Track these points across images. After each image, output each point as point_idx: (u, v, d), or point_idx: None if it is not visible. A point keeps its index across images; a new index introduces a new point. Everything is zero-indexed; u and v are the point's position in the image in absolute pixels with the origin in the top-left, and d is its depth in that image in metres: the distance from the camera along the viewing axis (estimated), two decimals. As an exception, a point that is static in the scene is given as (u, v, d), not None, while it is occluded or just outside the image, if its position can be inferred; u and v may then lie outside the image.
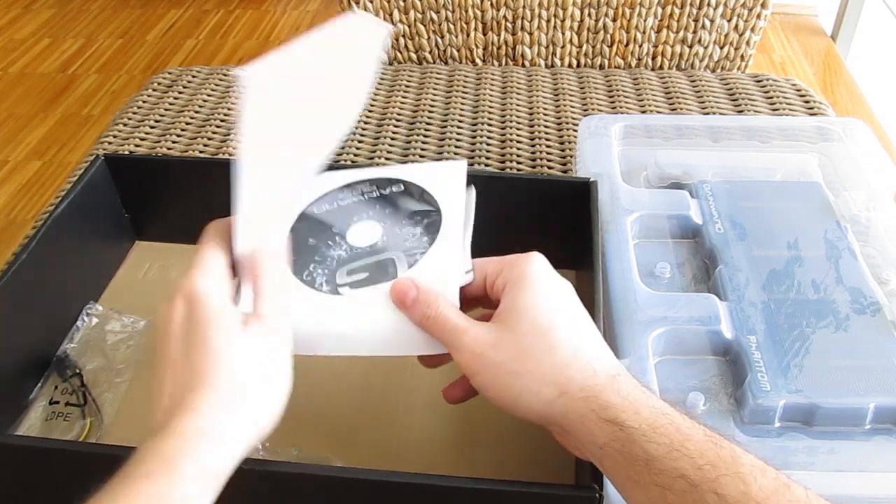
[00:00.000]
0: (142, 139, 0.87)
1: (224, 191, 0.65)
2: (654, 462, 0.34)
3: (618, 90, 0.94)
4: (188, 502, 0.32)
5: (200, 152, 0.84)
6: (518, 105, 0.92)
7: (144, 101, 0.94)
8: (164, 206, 0.69)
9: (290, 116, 0.45)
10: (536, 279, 0.41)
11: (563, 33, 1.06)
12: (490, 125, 0.88)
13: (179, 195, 0.67)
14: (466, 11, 1.05)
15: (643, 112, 0.90)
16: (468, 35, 1.07)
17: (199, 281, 0.39)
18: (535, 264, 0.42)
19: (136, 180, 0.66)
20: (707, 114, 0.89)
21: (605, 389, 0.37)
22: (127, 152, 0.85)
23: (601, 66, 1.08)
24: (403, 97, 0.94)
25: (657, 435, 0.35)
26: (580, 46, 1.07)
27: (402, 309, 0.43)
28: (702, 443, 0.35)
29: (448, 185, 0.51)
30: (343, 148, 0.85)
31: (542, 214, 0.63)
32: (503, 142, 0.86)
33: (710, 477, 0.33)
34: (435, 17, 1.06)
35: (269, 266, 0.43)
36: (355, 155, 0.84)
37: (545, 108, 0.91)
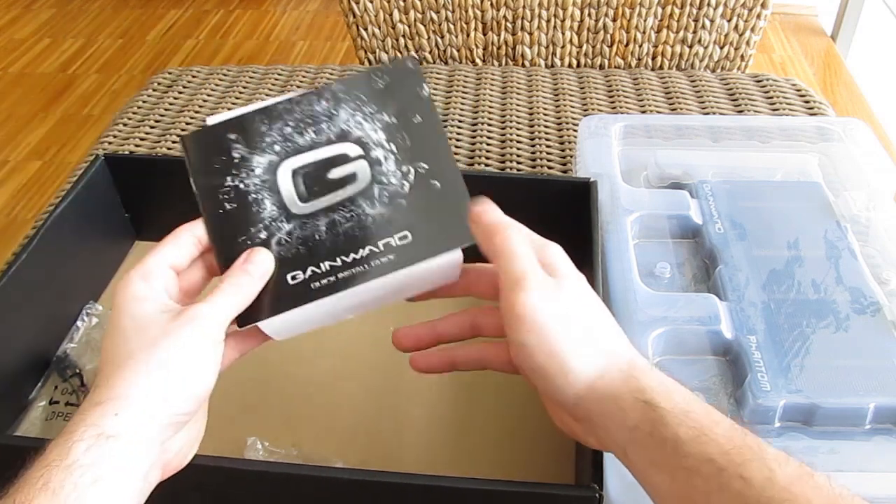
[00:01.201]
0: (142, 139, 0.87)
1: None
2: (682, 446, 0.35)
3: (618, 90, 0.94)
4: (80, 460, 0.33)
5: (200, 152, 0.84)
6: (518, 105, 0.92)
7: (144, 101, 0.94)
8: (163, 206, 0.68)
9: None
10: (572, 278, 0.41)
11: (563, 33, 1.06)
12: (490, 125, 0.88)
13: (179, 195, 0.66)
14: (466, 11, 1.05)
15: (643, 112, 0.90)
16: (468, 35, 1.07)
17: (127, 277, 0.41)
18: (562, 261, 0.41)
19: (136, 180, 0.66)
20: (707, 114, 0.89)
21: (643, 372, 0.38)
22: (127, 152, 0.85)
23: (601, 66, 1.08)
24: (403, 97, 0.94)
25: (688, 419, 0.35)
26: (580, 46, 1.07)
27: (479, 226, 0.41)
28: (729, 429, 0.35)
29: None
30: (343, 148, 0.85)
31: (541, 215, 0.62)
32: (503, 142, 0.86)
33: (736, 461, 0.34)
34: (435, 17, 1.06)
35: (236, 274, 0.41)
36: (355, 155, 0.84)
37: (545, 108, 0.91)
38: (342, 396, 0.58)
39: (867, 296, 0.54)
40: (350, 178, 0.43)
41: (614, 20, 1.04)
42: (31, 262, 0.56)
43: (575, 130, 0.85)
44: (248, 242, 0.43)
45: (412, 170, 0.42)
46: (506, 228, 0.40)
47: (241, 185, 0.42)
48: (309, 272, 0.42)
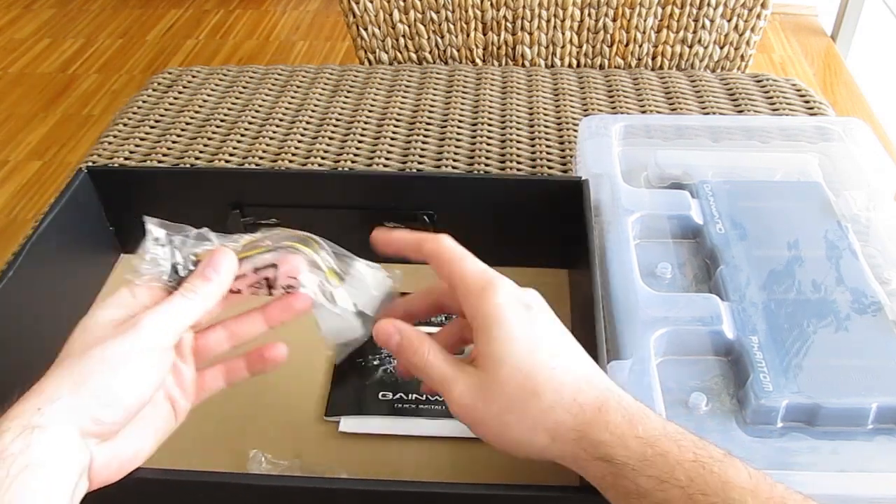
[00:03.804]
0: (141, 139, 0.87)
1: (208, 201, 0.65)
2: (646, 496, 0.35)
3: (618, 90, 0.94)
4: (8, 448, 0.33)
5: (200, 153, 0.84)
6: (518, 105, 0.92)
7: (144, 102, 0.94)
8: None
9: None
10: (505, 318, 0.39)
11: (563, 33, 1.05)
12: (490, 125, 0.88)
13: (164, 207, 0.66)
14: (466, 11, 1.05)
15: (643, 112, 0.90)
16: (468, 35, 1.07)
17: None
18: (499, 298, 0.40)
19: (121, 193, 0.65)
20: (707, 114, 0.89)
21: (592, 426, 0.37)
22: (127, 152, 0.84)
23: (601, 66, 1.07)
24: (403, 97, 0.94)
25: (646, 467, 0.35)
26: (580, 46, 1.07)
27: (388, 349, 0.43)
28: (691, 469, 0.35)
29: None
30: (343, 149, 0.85)
31: (536, 216, 0.63)
32: (503, 142, 0.86)
33: None
34: (435, 17, 1.06)
35: (195, 285, 0.41)
36: (355, 155, 0.84)
37: (545, 108, 0.91)
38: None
39: (868, 295, 0.54)
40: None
41: (614, 20, 1.04)
42: (17, 280, 0.55)
43: (575, 130, 0.85)
44: (363, 363, 0.56)
45: None
46: (419, 346, 0.41)
47: None
48: (398, 396, 0.54)
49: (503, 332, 0.39)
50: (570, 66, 1.08)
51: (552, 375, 0.38)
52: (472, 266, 0.42)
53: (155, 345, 0.39)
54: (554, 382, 0.38)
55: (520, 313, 0.40)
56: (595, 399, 0.38)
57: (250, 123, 0.89)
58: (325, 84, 0.97)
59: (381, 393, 0.56)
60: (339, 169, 0.81)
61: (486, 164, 0.82)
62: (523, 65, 1.09)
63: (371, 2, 1.05)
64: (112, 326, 0.39)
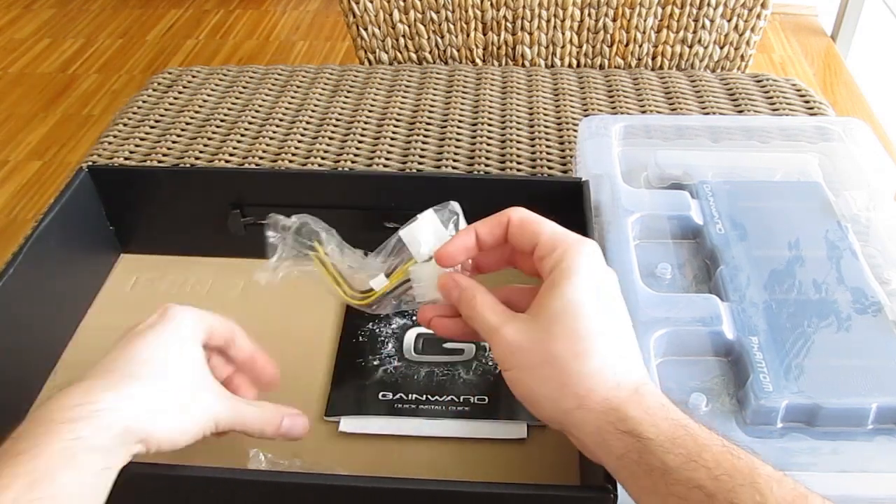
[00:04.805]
0: (141, 139, 0.87)
1: (208, 201, 0.65)
2: (670, 473, 0.35)
3: (618, 90, 0.94)
4: (86, 440, 0.38)
5: (200, 153, 0.84)
6: (518, 105, 0.92)
7: (144, 102, 0.94)
8: (149, 218, 0.67)
9: None
10: (585, 275, 0.40)
11: (563, 33, 1.05)
12: (490, 125, 0.88)
13: (164, 206, 0.66)
14: (466, 11, 1.05)
15: (643, 112, 0.90)
16: (468, 35, 1.07)
17: (197, 312, 0.48)
18: (588, 256, 0.41)
19: (121, 192, 0.65)
20: (707, 114, 0.89)
21: (624, 402, 0.37)
22: (127, 152, 0.85)
23: (601, 66, 1.08)
24: (403, 97, 0.94)
25: (675, 446, 0.35)
26: (580, 46, 1.07)
27: (450, 301, 0.45)
28: (719, 453, 0.35)
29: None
30: (343, 149, 0.85)
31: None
32: (503, 142, 0.86)
33: (726, 487, 0.33)
34: (435, 17, 1.06)
35: None
36: (355, 155, 0.84)
37: (545, 109, 0.91)
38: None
39: (868, 296, 0.54)
40: (459, 351, 0.58)
41: (614, 20, 1.04)
42: (17, 280, 0.54)
43: (575, 130, 0.85)
44: (363, 363, 0.58)
45: None
46: (472, 296, 0.43)
47: (377, 330, 0.60)
48: (398, 396, 0.55)
49: (572, 288, 0.39)
50: (570, 66, 1.08)
51: (603, 346, 0.39)
52: (558, 226, 0.43)
53: (211, 429, 0.45)
54: (602, 353, 0.38)
55: (600, 279, 0.41)
56: (634, 381, 0.38)
57: (250, 123, 0.89)
58: (325, 84, 0.97)
59: (381, 393, 0.56)
60: (339, 169, 0.81)
61: (486, 165, 0.82)
62: (523, 65, 1.09)
63: (371, 2, 1.05)
64: (206, 379, 0.46)
